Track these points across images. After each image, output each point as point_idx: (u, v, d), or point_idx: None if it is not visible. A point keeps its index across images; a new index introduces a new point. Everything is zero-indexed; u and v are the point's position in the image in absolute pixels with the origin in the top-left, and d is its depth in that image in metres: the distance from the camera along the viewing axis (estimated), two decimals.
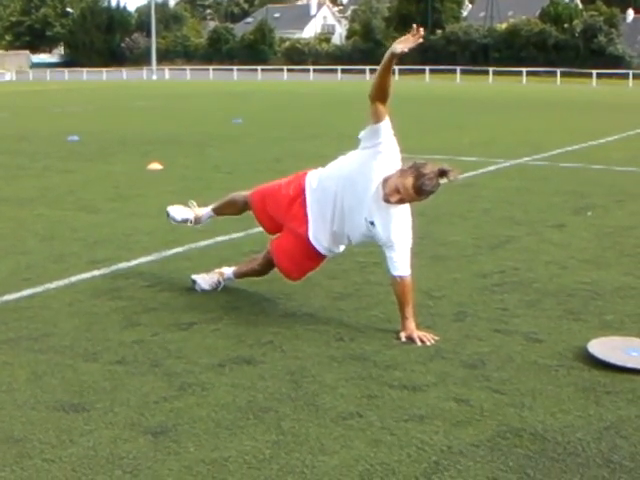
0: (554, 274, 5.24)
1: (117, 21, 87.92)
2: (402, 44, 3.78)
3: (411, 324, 4.04)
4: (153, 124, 17.73)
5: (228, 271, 4.83)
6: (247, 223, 5.76)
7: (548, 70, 54.56)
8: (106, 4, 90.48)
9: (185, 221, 4.96)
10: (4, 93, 35.42)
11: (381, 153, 3.98)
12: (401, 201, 3.95)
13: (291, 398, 3.29)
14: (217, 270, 4.86)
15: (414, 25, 3.85)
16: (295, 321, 4.28)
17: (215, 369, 3.59)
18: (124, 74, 62.33)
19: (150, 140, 14.02)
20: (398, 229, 4.06)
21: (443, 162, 4.02)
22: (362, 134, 4.06)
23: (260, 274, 4.73)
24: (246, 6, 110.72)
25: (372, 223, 4.07)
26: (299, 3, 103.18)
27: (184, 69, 66.17)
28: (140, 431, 2.99)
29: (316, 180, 4.30)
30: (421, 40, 3.81)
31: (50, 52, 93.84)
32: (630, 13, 71.55)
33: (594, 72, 50.63)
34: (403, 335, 4.01)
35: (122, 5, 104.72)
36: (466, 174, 9.16)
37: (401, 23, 64.70)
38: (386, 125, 3.95)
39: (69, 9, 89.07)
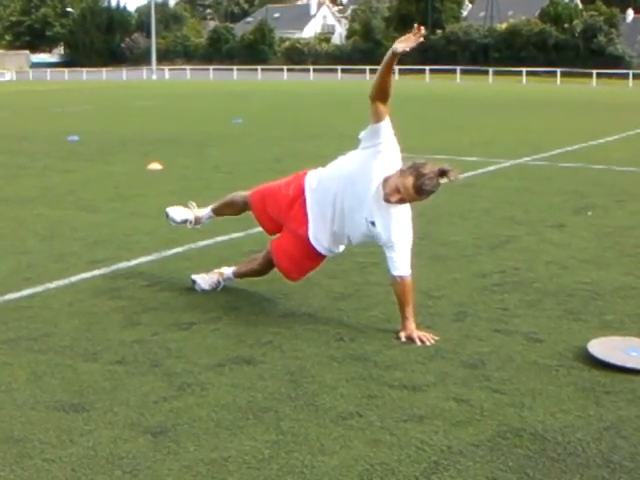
0: (554, 274, 5.24)
1: (117, 21, 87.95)
2: (403, 43, 3.77)
3: (411, 324, 4.04)
4: (153, 124, 17.73)
5: (228, 271, 4.83)
6: (247, 223, 5.76)
7: (548, 70, 54.59)
8: (106, 4, 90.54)
9: (184, 222, 4.95)
10: (4, 93, 35.42)
11: (381, 153, 3.98)
12: (401, 201, 3.95)
13: (291, 398, 3.29)
14: (217, 270, 4.86)
15: (415, 24, 3.85)
16: (295, 321, 4.28)
17: (215, 369, 3.59)
18: (124, 74, 62.34)
19: (150, 140, 14.02)
20: (399, 229, 4.06)
21: (443, 162, 4.03)
22: (362, 134, 4.06)
23: (260, 274, 4.73)
24: (246, 6, 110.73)
25: (373, 223, 4.06)
26: (299, 3, 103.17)
27: (184, 69, 66.21)
28: (140, 431, 2.99)
29: (316, 180, 4.30)
30: (422, 39, 3.80)
31: (50, 52, 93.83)
32: (630, 13, 71.57)
33: (594, 72, 50.65)
34: (403, 335, 4.01)
35: (122, 5, 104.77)
36: (466, 174, 9.16)
37: (401, 23, 64.72)
38: (386, 125, 3.95)
39: (69, 9, 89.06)
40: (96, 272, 5.20)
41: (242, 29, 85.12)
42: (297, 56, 76.01)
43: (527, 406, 3.23)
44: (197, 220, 4.96)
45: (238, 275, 4.80)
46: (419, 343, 3.93)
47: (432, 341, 3.95)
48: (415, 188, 3.84)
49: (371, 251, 5.18)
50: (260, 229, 4.88)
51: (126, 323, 4.22)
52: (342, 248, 4.50)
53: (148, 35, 74.70)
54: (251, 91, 35.61)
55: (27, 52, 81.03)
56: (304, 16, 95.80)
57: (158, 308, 4.48)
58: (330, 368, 3.61)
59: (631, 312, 4.44)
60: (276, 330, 4.12)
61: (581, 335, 4.03)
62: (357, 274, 5.21)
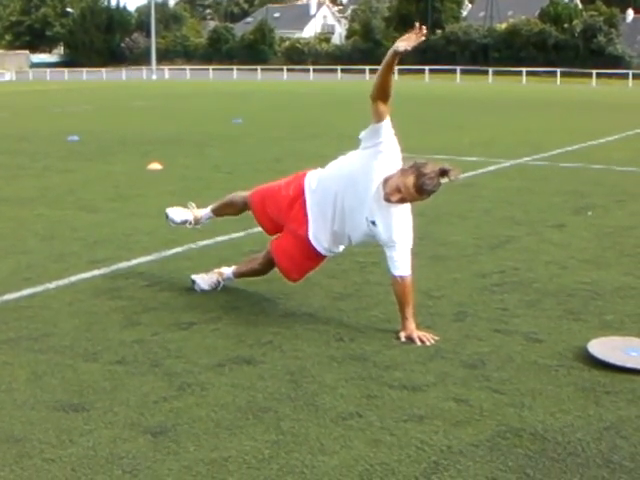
0: (554, 274, 5.24)
1: (117, 21, 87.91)
2: (405, 42, 3.77)
3: (411, 324, 4.04)
4: (153, 124, 17.73)
5: (227, 271, 4.83)
6: (247, 223, 5.76)
7: (548, 70, 54.59)
8: (106, 4, 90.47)
9: (184, 223, 4.96)
10: (4, 93, 35.42)
11: (382, 153, 3.98)
12: (402, 200, 3.94)
13: (291, 398, 3.29)
14: (216, 270, 4.86)
15: (416, 23, 3.84)
16: (295, 321, 4.28)
17: (215, 369, 3.59)
18: (124, 74, 62.34)
19: (150, 140, 14.02)
20: (399, 229, 4.06)
21: (444, 162, 4.03)
22: (363, 134, 4.05)
23: (260, 274, 4.73)
24: (246, 6, 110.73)
25: (373, 223, 4.06)
26: (299, 3, 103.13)
27: (184, 69, 66.19)
28: (140, 431, 2.99)
29: (316, 180, 4.30)
30: (424, 38, 3.80)
31: (50, 52, 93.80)
32: (630, 13, 71.57)
33: (594, 72, 50.66)
34: (403, 335, 4.01)
35: (122, 5, 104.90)
36: (466, 174, 9.16)
37: (401, 23, 64.69)
38: (387, 125, 3.95)
39: (69, 9, 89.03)
40: (96, 272, 5.21)
41: (242, 29, 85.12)
42: (297, 56, 76.00)
43: (527, 406, 3.23)
44: (197, 220, 4.97)
45: (238, 275, 4.80)
46: (419, 343, 3.93)
47: (432, 341, 3.95)
48: (416, 188, 3.84)
49: (371, 251, 5.19)
50: (260, 229, 4.88)
51: (126, 323, 4.22)
52: (342, 248, 4.50)
53: (148, 35, 74.69)
54: (251, 91, 35.59)
55: (27, 52, 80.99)
56: (304, 16, 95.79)
57: (158, 308, 4.48)
58: (330, 368, 3.62)
59: (631, 312, 4.44)
60: (276, 330, 4.12)
61: (581, 335, 4.03)
62: (357, 274, 5.21)
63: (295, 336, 4.03)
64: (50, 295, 4.71)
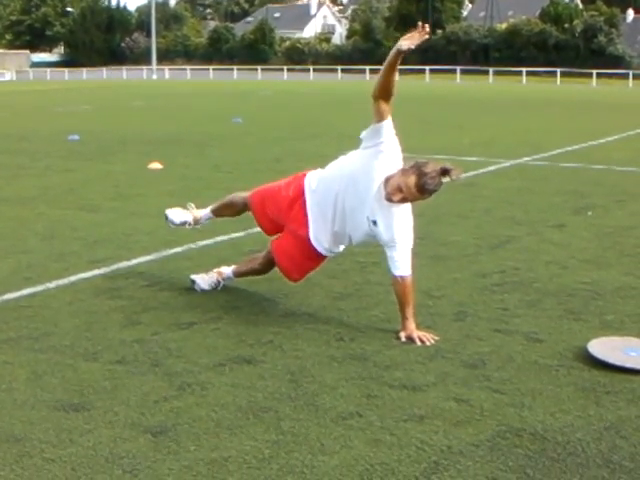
0: (554, 274, 5.24)
1: (117, 20, 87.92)
2: (408, 41, 3.76)
3: (411, 324, 4.04)
4: (153, 124, 17.73)
5: (227, 270, 4.82)
6: (247, 223, 5.76)
7: (548, 70, 54.57)
8: (106, 3, 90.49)
9: (183, 224, 4.96)
10: (4, 93, 35.42)
11: (383, 152, 3.98)
12: (403, 200, 3.94)
13: (291, 398, 3.29)
14: (216, 270, 4.86)
15: (419, 22, 3.84)
16: (295, 321, 4.28)
17: (215, 369, 3.59)
18: (124, 74, 62.33)
19: (150, 139, 14.02)
20: (400, 228, 4.05)
21: (445, 161, 4.03)
22: (364, 134, 4.05)
23: (260, 274, 4.73)
24: (246, 6, 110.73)
25: (374, 222, 4.06)
26: (299, 3, 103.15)
27: (184, 69, 66.19)
28: (140, 430, 2.99)
29: (316, 181, 4.30)
30: (427, 36, 3.80)
31: (50, 51, 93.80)
32: (630, 13, 71.56)
33: (594, 72, 50.66)
34: (403, 335, 4.01)
35: (122, 4, 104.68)
36: (466, 174, 9.15)
37: (401, 23, 64.75)
38: (388, 124, 3.95)
39: (69, 8, 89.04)
40: (96, 272, 5.21)
41: (242, 29, 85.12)
42: (297, 56, 76.00)
43: (527, 406, 3.23)
44: (196, 221, 4.97)
45: (238, 275, 4.80)
46: (419, 343, 3.93)
47: (432, 341, 3.95)
48: (417, 187, 3.84)
49: (371, 251, 5.19)
50: (260, 229, 4.88)
51: (126, 323, 4.22)
52: (342, 248, 4.50)
53: (148, 35, 74.73)
54: (251, 91, 35.57)
55: (27, 52, 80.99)
56: (304, 16, 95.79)
57: (158, 308, 4.48)
58: (330, 368, 3.62)
59: (631, 312, 4.44)
60: (276, 330, 4.12)
61: (581, 335, 4.03)
62: (357, 274, 5.21)
63: (295, 336, 4.03)
64: (50, 295, 4.71)
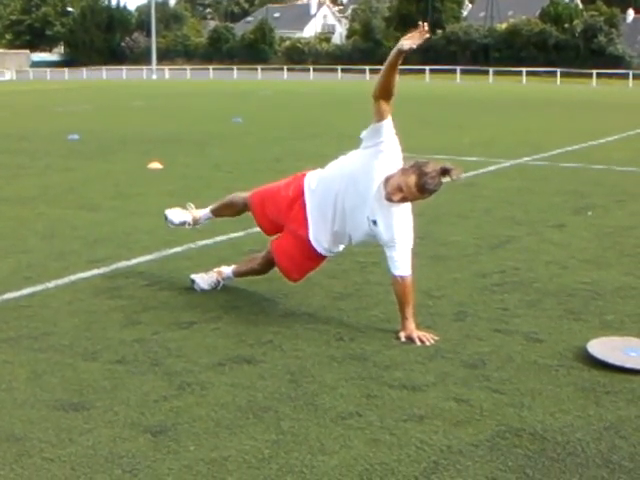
0: (554, 274, 5.24)
1: (117, 20, 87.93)
2: (409, 40, 3.76)
3: (411, 324, 4.04)
4: (153, 123, 17.73)
5: (227, 270, 4.82)
6: (247, 223, 5.75)
7: (548, 70, 54.59)
8: (106, 3, 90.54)
9: (183, 224, 4.96)
10: (4, 92, 35.41)
11: (383, 152, 3.98)
12: (404, 200, 3.94)
13: (291, 398, 3.29)
14: (216, 269, 4.85)
15: (420, 22, 3.84)
16: (295, 321, 4.28)
17: (215, 368, 3.59)
18: (124, 73, 62.33)
19: (150, 139, 14.02)
20: (400, 228, 4.05)
21: (445, 161, 4.03)
22: (364, 133, 4.05)
23: (259, 273, 4.73)
24: (246, 5, 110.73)
25: (374, 222, 4.06)
26: (299, 3, 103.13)
27: (184, 68, 66.20)
28: (140, 430, 2.99)
29: (315, 181, 4.30)
30: (428, 36, 3.80)
31: (50, 51, 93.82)
32: (630, 13, 71.58)
33: (594, 72, 50.68)
34: (403, 335, 4.01)
35: (122, 4, 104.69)
36: (466, 174, 9.15)
37: (401, 23, 64.77)
38: (388, 124, 3.95)
39: (69, 8, 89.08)
40: (96, 271, 5.21)
41: (242, 29, 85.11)
42: (297, 56, 76.00)
43: (527, 406, 3.23)
44: (195, 221, 4.97)
45: (237, 274, 4.80)
46: (419, 343, 3.93)
47: (432, 341, 3.95)
48: (418, 187, 3.84)
49: (371, 251, 5.19)
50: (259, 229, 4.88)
51: (126, 322, 4.22)
52: (342, 247, 4.50)
53: (148, 34, 74.70)
54: (252, 90, 35.57)
55: (27, 51, 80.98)
56: (304, 16, 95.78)
57: (158, 307, 4.48)
58: (330, 368, 3.61)
59: (631, 312, 4.44)
60: (276, 329, 4.12)
61: (581, 335, 4.03)
62: (357, 274, 5.21)
63: (295, 336, 4.03)
64: (50, 294, 4.71)
